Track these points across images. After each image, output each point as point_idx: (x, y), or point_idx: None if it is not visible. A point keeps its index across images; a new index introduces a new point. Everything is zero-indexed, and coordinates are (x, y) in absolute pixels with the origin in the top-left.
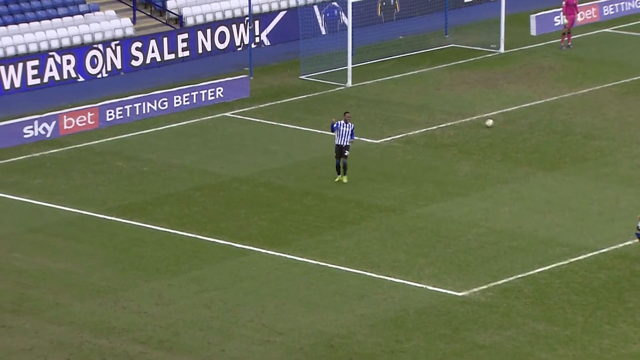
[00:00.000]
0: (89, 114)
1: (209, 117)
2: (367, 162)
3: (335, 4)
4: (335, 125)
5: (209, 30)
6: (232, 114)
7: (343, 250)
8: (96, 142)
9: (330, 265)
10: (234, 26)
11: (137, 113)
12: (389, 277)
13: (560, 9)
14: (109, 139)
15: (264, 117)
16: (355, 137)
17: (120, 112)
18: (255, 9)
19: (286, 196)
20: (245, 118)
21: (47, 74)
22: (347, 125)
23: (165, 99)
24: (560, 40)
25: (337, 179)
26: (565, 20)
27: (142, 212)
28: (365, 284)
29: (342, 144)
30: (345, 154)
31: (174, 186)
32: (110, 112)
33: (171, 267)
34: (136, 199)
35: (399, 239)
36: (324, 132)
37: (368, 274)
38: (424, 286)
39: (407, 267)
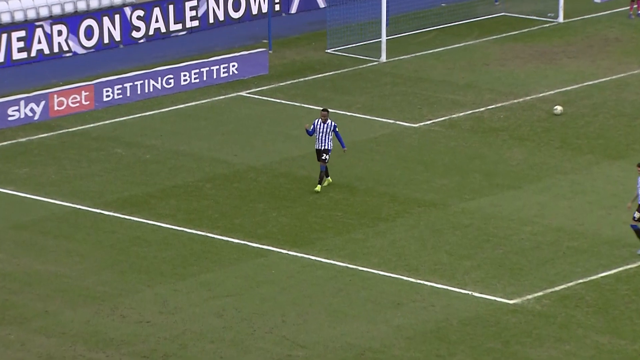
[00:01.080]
0: (83, 93)
1: (221, 97)
2: (404, 149)
3: None
4: (311, 128)
5: None
6: (248, 93)
7: (376, 251)
8: (91, 125)
9: (361, 268)
10: None
11: (139, 92)
12: (429, 282)
13: None
14: (106, 122)
15: (284, 97)
16: (340, 134)
17: (119, 91)
18: None
19: (310, 188)
20: (264, 98)
21: (35, 47)
22: (326, 124)
23: (171, 76)
24: (628, 7)
25: (316, 188)
26: None
27: (144, 206)
28: (402, 290)
29: (320, 147)
30: (324, 157)
31: (180, 177)
32: (107, 91)
33: (178, 270)
34: (137, 192)
35: (441, 238)
36: (353, 114)
37: (405, 278)
38: (470, 293)
39: (450, 270)
